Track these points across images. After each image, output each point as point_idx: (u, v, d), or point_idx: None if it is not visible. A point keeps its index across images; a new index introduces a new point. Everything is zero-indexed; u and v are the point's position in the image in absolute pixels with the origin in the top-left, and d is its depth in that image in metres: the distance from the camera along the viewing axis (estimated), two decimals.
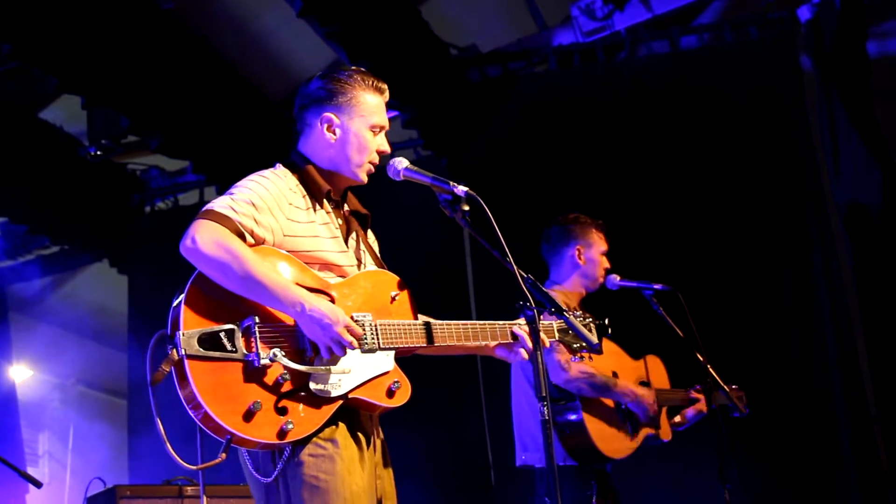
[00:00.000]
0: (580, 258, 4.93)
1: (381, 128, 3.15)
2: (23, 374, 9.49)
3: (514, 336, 3.22)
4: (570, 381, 4.52)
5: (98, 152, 8.07)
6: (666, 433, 4.92)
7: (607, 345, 4.67)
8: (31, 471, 5.97)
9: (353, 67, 3.21)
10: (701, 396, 4.97)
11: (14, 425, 8.42)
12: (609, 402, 4.68)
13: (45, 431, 10.49)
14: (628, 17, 7.62)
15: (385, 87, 3.18)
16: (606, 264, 4.98)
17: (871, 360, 6.51)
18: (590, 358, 3.70)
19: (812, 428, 6.50)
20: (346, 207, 3.20)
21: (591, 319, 3.53)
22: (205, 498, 4.94)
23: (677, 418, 5.00)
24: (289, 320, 2.80)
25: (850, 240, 6.74)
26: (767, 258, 6.86)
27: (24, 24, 5.85)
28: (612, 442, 4.63)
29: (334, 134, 3.11)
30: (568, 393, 4.57)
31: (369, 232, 3.31)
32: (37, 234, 8.57)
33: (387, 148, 3.16)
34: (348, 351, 2.83)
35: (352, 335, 2.80)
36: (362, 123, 3.10)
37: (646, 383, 4.92)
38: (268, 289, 2.75)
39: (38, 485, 4.89)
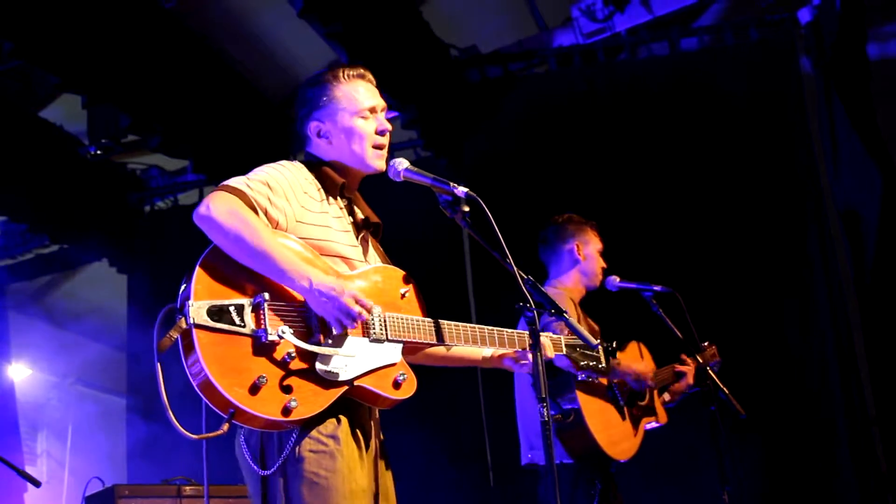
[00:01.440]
0: (580, 253, 4.96)
1: (371, 109, 3.14)
2: (21, 373, 9.49)
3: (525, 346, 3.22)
4: None
5: (98, 151, 8.08)
6: (662, 416, 4.94)
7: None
8: (29, 470, 5.97)
9: (329, 65, 3.21)
10: (686, 368, 4.96)
11: (13, 424, 8.42)
12: (604, 393, 4.67)
13: (43, 430, 10.49)
14: (629, 19, 7.62)
15: (363, 70, 3.18)
16: (603, 263, 5.00)
17: (869, 361, 6.52)
18: (596, 378, 3.67)
19: (811, 429, 6.50)
20: (357, 213, 3.19)
21: (599, 342, 3.52)
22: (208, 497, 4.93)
23: (666, 396, 5.00)
24: (299, 299, 2.80)
25: (849, 241, 6.74)
26: (766, 260, 6.86)
27: (26, 22, 5.85)
28: (618, 444, 4.62)
29: (327, 139, 3.13)
30: (566, 380, 4.55)
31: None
32: (36, 233, 8.58)
33: (386, 125, 3.15)
34: (357, 338, 2.82)
35: (360, 306, 2.79)
36: (348, 116, 3.11)
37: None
38: (277, 262, 2.75)
39: (36, 484, 4.89)
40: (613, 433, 4.61)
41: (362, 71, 3.17)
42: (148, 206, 8.94)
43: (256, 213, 2.83)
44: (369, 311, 2.84)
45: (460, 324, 3.13)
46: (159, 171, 8.79)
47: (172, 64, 6.78)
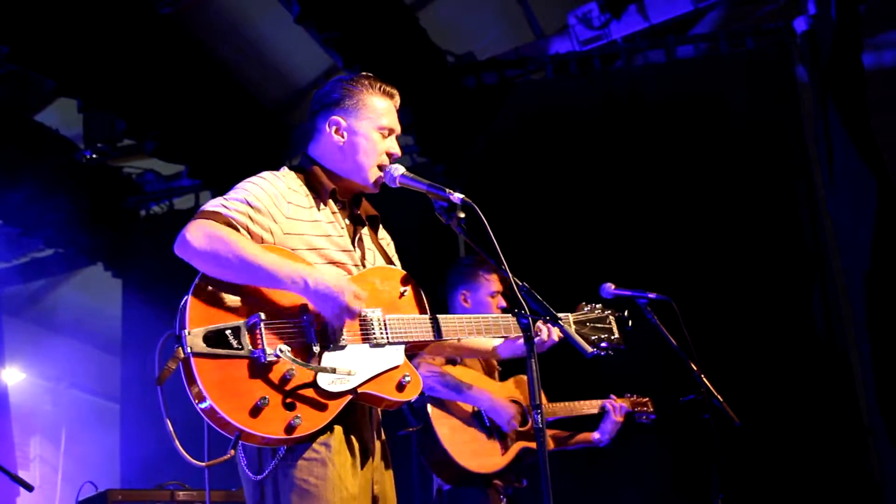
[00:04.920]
0: (466, 302, 4.93)
1: (391, 130, 3.16)
2: (15, 377, 9.46)
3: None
4: None
5: (94, 155, 8.06)
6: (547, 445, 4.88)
7: (463, 370, 4.67)
8: (22, 474, 5.95)
9: (364, 73, 3.23)
10: (612, 403, 4.98)
11: (6, 428, 8.39)
12: (468, 415, 4.64)
13: (36, 435, 10.46)
14: (625, 27, 7.64)
15: (395, 92, 3.21)
16: (502, 303, 4.90)
17: (864, 370, 6.52)
18: (612, 350, 3.59)
19: (805, 437, 6.50)
20: (355, 210, 3.20)
21: (609, 313, 3.53)
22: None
23: (595, 435, 5.00)
24: (295, 315, 2.80)
25: (844, 251, 6.75)
26: (762, 268, 6.86)
27: (22, 26, 5.84)
28: (477, 458, 4.57)
29: (342, 137, 3.12)
30: (419, 417, 4.56)
31: (382, 232, 3.33)
32: (31, 237, 8.55)
33: (397, 151, 3.16)
34: (357, 345, 2.83)
35: (358, 299, 2.80)
36: (370, 126, 3.11)
37: (515, 402, 4.79)
38: (266, 269, 2.75)
39: (29, 488, 4.87)
40: (474, 447, 4.57)
41: (394, 92, 3.21)
42: (143, 211, 8.93)
43: (237, 230, 2.82)
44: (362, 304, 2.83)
45: (462, 316, 3.14)
46: (155, 176, 8.78)
47: (168, 69, 6.77)
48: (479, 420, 4.68)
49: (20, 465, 9.47)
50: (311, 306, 2.83)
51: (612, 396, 5.05)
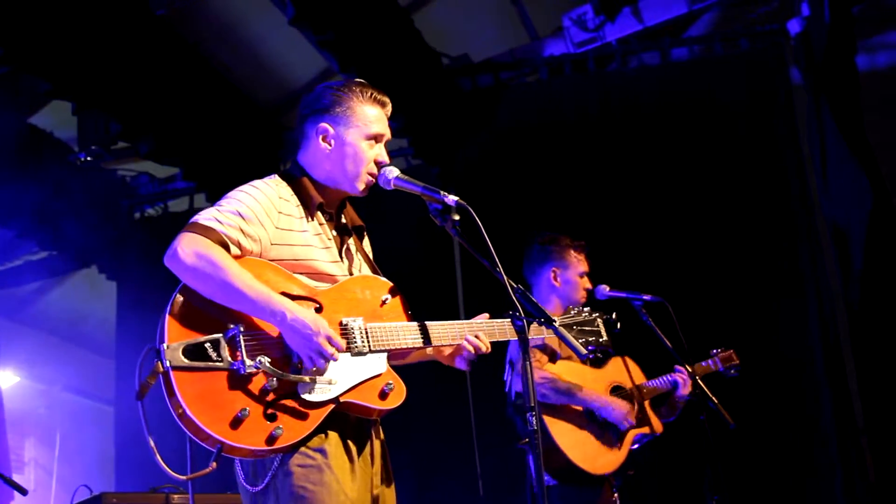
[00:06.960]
0: (556, 280, 4.96)
1: (378, 137, 3.13)
2: (9, 381, 9.44)
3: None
4: None
5: (88, 158, 8.04)
6: (656, 426, 4.91)
7: (566, 366, 4.66)
8: (16, 478, 5.93)
9: (355, 80, 3.21)
10: (679, 376, 4.94)
11: None
12: (581, 416, 4.66)
13: (31, 438, 10.43)
14: (619, 29, 7.64)
15: (386, 99, 3.18)
16: (587, 285, 4.98)
17: (858, 372, 6.52)
18: (599, 352, 3.62)
19: (800, 438, 6.51)
20: (342, 219, 3.19)
21: (597, 315, 3.52)
22: None
23: (663, 410, 5.01)
24: (274, 328, 2.80)
25: (838, 253, 6.75)
26: (756, 270, 6.87)
27: (16, 28, 5.83)
28: (597, 458, 4.61)
29: (329, 144, 3.10)
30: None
31: (366, 243, 3.31)
32: (25, 240, 8.53)
33: (385, 158, 3.14)
34: (337, 355, 2.81)
35: (333, 346, 2.79)
36: (358, 134, 3.09)
37: (618, 387, 4.89)
38: (249, 298, 2.75)
39: (23, 492, 4.86)
40: (589, 449, 4.60)
41: (385, 100, 3.18)
42: (138, 213, 8.92)
43: (228, 248, 2.82)
44: (341, 350, 2.83)
45: (445, 322, 3.12)
46: (149, 178, 8.77)
47: (163, 71, 6.76)
48: (592, 417, 4.69)
49: (14, 468, 9.44)
50: None
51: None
